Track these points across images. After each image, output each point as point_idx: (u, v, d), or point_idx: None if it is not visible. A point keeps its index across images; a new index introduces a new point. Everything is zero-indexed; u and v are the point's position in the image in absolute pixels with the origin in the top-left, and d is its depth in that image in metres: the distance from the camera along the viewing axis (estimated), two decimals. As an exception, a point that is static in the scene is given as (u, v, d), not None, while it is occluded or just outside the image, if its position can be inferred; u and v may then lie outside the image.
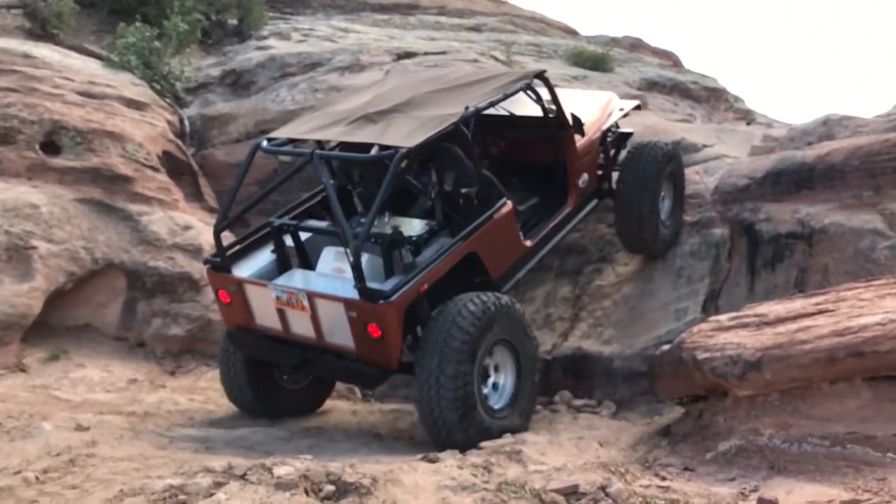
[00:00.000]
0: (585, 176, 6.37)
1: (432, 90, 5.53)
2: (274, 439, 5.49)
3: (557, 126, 6.07)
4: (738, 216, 7.27)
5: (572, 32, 14.98)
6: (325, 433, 5.76)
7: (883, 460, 4.27)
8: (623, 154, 6.97)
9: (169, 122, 8.85)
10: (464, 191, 5.42)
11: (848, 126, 8.72)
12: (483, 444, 4.88)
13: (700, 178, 7.79)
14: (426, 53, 10.87)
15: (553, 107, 6.02)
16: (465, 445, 4.81)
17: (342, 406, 6.66)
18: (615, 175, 6.81)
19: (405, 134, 4.98)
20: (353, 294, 4.82)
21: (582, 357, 7.08)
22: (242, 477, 3.84)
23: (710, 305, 6.99)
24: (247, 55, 10.82)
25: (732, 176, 7.57)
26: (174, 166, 8.40)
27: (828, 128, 8.85)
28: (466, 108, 5.24)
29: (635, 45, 14.29)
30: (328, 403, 6.60)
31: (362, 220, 5.44)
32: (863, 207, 6.84)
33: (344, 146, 5.60)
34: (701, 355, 5.06)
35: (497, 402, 5.20)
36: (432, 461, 4.46)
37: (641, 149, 6.71)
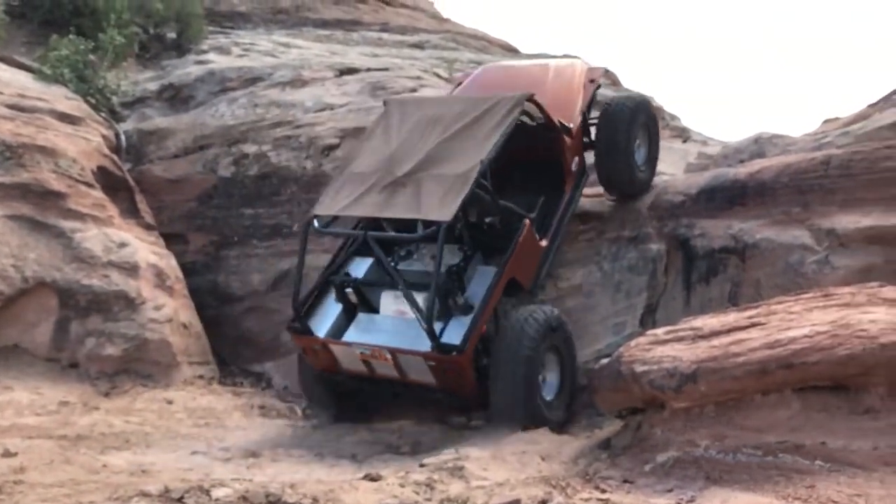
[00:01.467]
0: (577, 159, 7.10)
1: (442, 139, 6.13)
2: (212, 460, 5.39)
3: (550, 131, 6.78)
4: (674, 231, 7.45)
5: (513, 50, 15.16)
6: (266, 453, 5.67)
7: (812, 468, 4.40)
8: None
9: (104, 137, 8.66)
10: (487, 220, 6.42)
11: (778, 144, 9.02)
12: (425, 460, 4.89)
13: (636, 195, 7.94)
14: (368, 70, 10.88)
15: (542, 119, 6.70)
16: (531, 420, 5.90)
17: (282, 426, 6.57)
18: (593, 130, 7.40)
19: (438, 202, 5.75)
20: (428, 347, 5.76)
21: (524, 372, 7.12)
22: (180, 500, 3.76)
23: (648, 319, 7.13)
24: (186, 69, 10.68)
25: (668, 192, 7.76)
26: (110, 182, 8.21)
27: (759, 146, 9.14)
28: (481, 161, 5.93)
29: (574, 64, 14.47)
30: (269, 422, 6.50)
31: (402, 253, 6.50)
32: (792, 223, 7.08)
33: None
34: (639, 368, 5.15)
35: (548, 395, 6.21)
36: (374, 479, 4.44)
37: (615, 102, 7.39)
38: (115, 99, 9.68)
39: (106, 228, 7.56)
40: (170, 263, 7.97)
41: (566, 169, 6.91)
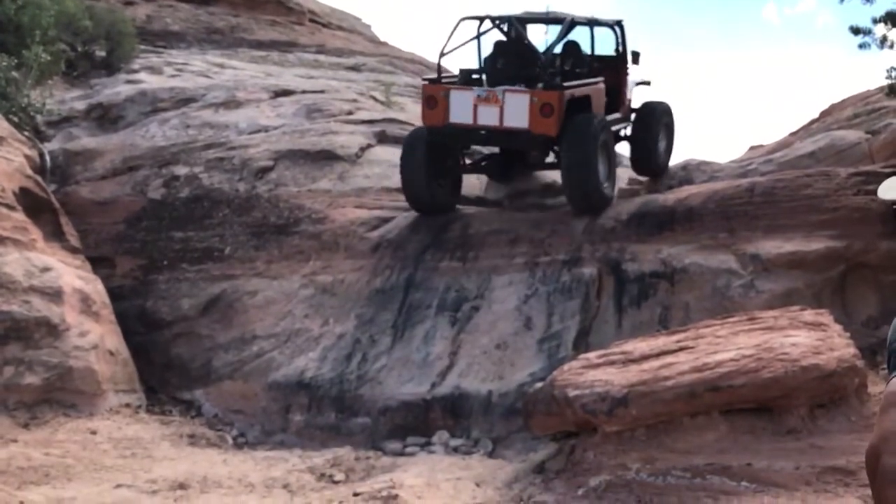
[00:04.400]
0: (628, 98, 8.96)
1: None
2: (138, 494, 5.21)
3: (622, 61, 8.73)
4: (606, 256, 7.59)
5: (450, 75, 15.28)
6: (195, 485, 5.51)
7: (738, 489, 4.51)
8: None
9: (27, 157, 8.36)
10: (577, 70, 8.47)
11: (705, 171, 9.31)
12: (359, 489, 4.82)
13: (570, 220, 8.08)
14: (304, 91, 10.82)
15: (621, 48, 8.74)
16: (596, 191, 7.66)
17: (213, 455, 6.40)
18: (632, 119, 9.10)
19: None
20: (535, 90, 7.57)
21: (460, 396, 7.13)
22: (100, 538, 3.61)
23: (581, 342, 7.22)
24: (115, 89, 10.43)
25: (601, 218, 7.90)
26: (33, 204, 7.92)
27: (687, 172, 9.41)
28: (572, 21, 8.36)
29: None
30: (198, 452, 6.33)
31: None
32: (719, 248, 7.29)
33: None
34: (571, 392, 5.21)
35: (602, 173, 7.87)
36: (305, 511, 4.36)
37: (649, 104, 9.14)
38: (39, 118, 9.38)
39: (28, 252, 7.28)
40: (96, 288, 7.72)
41: (622, 97, 8.77)
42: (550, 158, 8.35)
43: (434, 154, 7.87)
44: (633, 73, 9.01)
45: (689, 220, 7.50)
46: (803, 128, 11.22)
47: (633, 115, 8.99)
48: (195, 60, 11.85)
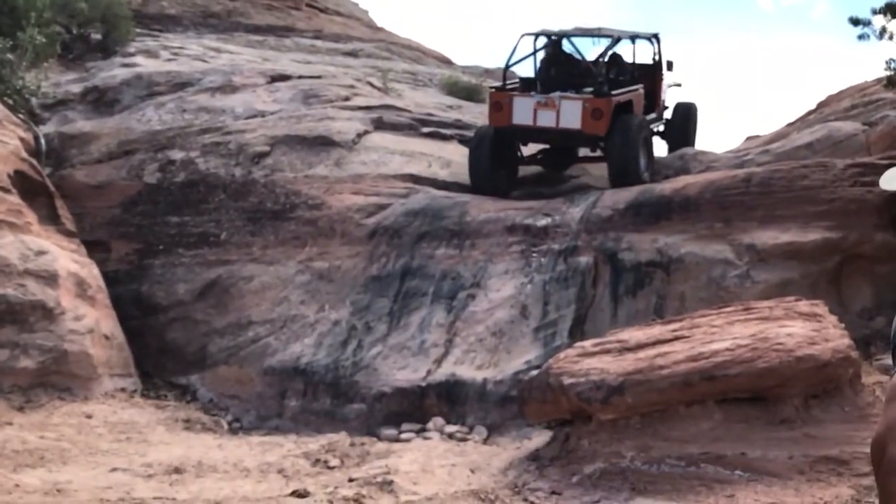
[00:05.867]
0: (663, 98, 10.35)
1: None
2: (133, 477, 5.22)
3: (658, 68, 10.09)
4: (603, 245, 7.59)
5: (447, 62, 15.24)
6: (190, 469, 5.52)
7: (732, 478, 4.54)
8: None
9: (22, 140, 8.30)
10: (620, 78, 9.63)
11: (702, 161, 9.31)
12: (354, 475, 4.84)
13: (566, 209, 8.08)
14: (301, 77, 10.77)
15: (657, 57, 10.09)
16: (638, 179, 8.54)
17: (208, 440, 6.41)
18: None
19: None
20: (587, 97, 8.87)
21: (456, 383, 7.14)
22: (96, 521, 3.62)
23: (577, 331, 7.24)
24: (111, 72, 10.35)
25: (597, 207, 7.90)
26: (28, 187, 7.88)
27: (684, 162, 9.41)
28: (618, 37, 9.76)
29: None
30: (193, 436, 6.34)
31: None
32: (715, 238, 7.30)
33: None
34: (567, 380, 5.23)
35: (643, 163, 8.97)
36: (301, 496, 4.38)
37: (680, 104, 10.57)
38: (34, 100, 9.31)
39: (23, 235, 7.25)
40: (91, 272, 7.70)
41: (658, 99, 10.14)
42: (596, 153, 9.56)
43: (497, 148, 9.03)
44: (667, 77, 10.43)
45: (686, 209, 7.50)
46: (800, 119, 11.22)
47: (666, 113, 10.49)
48: (191, 44, 11.77)
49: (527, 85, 9.58)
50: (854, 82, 11.11)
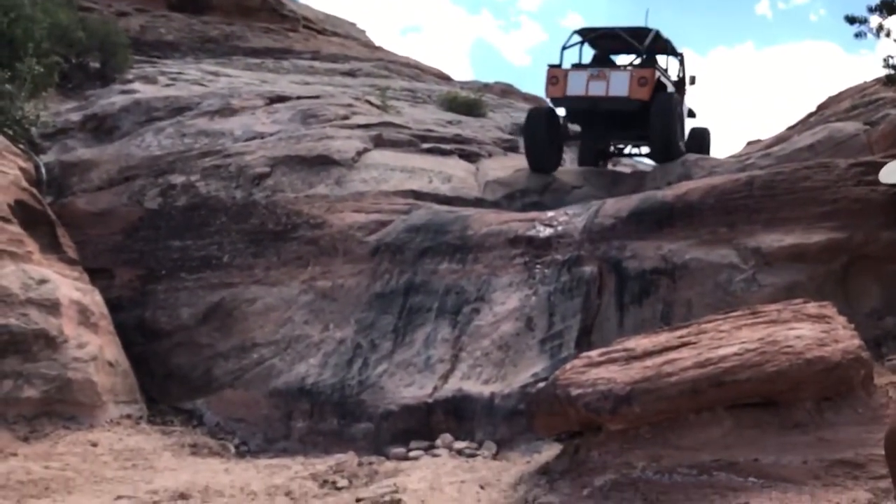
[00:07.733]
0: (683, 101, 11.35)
1: None
2: (140, 505, 5.16)
3: (681, 84, 11.09)
4: (606, 254, 7.53)
5: (446, 78, 15.30)
6: (196, 495, 5.46)
7: (745, 485, 4.45)
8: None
9: (23, 170, 8.31)
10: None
11: (704, 166, 9.27)
12: (362, 495, 4.77)
13: (569, 219, 8.03)
14: (299, 97, 10.80)
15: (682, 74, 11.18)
16: (677, 150, 9.98)
17: (215, 464, 6.35)
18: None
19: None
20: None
21: (463, 398, 7.06)
22: (99, 550, 3.56)
23: (584, 341, 7.16)
24: (110, 99, 10.40)
25: (600, 216, 7.85)
26: (29, 216, 7.87)
27: (686, 168, 9.37)
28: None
29: (506, 91, 14.73)
30: (200, 461, 6.28)
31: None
32: (719, 243, 7.24)
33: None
34: (574, 391, 5.15)
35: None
36: (308, 518, 4.31)
37: (696, 129, 11.46)
38: (34, 130, 9.33)
39: (24, 265, 7.23)
40: (94, 299, 7.67)
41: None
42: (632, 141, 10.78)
43: (549, 126, 10.18)
44: (687, 97, 11.32)
45: (689, 215, 7.45)
46: (801, 121, 11.19)
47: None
48: (189, 69, 11.84)
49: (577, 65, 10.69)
50: (852, 84, 11.09)
